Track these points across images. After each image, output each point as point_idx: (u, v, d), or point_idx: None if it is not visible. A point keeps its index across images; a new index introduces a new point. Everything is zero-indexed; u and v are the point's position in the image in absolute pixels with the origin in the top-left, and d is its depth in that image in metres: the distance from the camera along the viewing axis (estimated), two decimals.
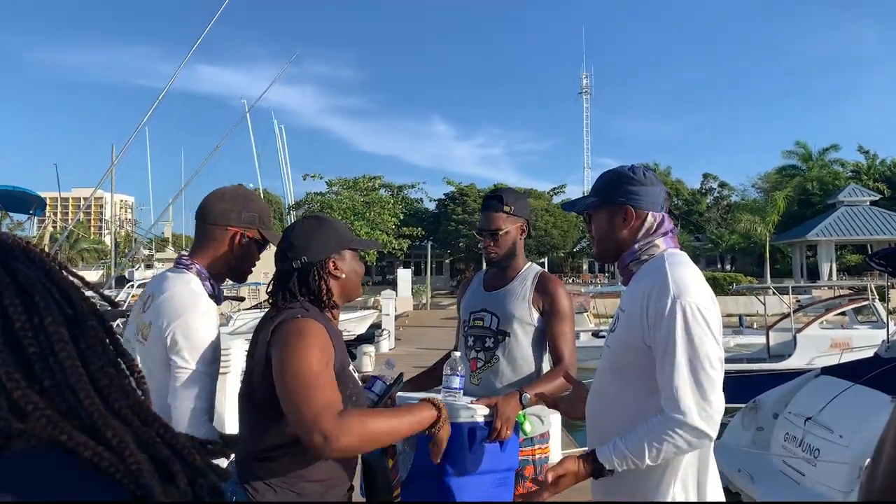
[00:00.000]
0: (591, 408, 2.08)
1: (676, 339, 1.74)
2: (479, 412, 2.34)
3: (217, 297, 2.20)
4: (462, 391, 2.46)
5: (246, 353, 2.02)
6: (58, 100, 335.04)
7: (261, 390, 1.84)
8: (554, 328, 2.70)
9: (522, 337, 2.72)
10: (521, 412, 2.41)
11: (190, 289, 2.10)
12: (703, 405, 1.72)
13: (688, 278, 1.84)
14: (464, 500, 2.30)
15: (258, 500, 1.79)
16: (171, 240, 45.47)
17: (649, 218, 2.01)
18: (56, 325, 0.67)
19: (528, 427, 2.44)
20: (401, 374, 2.31)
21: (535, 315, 2.74)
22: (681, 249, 2.02)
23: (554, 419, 3.77)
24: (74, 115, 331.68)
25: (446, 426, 1.95)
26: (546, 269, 3.12)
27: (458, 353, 2.49)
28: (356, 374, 2.07)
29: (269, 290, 2.02)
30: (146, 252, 37.40)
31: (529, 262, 2.89)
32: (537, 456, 2.71)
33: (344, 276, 2.03)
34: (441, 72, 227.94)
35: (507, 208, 2.79)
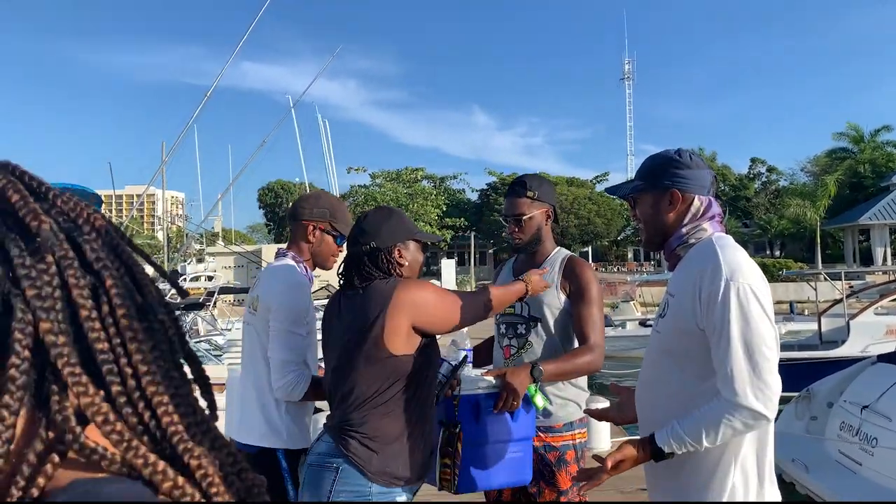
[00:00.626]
0: (641, 396, 2.07)
1: (731, 321, 1.73)
2: (488, 383, 2.40)
3: (308, 280, 2.62)
4: (471, 364, 2.55)
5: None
6: (110, 100, 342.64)
7: (354, 351, 2.07)
8: (580, 311, 2.66)
9: (553, 322, 2.70)
10: (532, 385, 2.42)
11: (285, 266, 2.57)
12: (760, 385, 1.70)
13: (740, 259, 1.82)
14: (480, 469, 2.35)
15: (356, 460, 2.00)
16: (221, 234, 46.31)
17: (696, 202, 1.98)
18: (130, 318, 0.54)
19: (539, 400, 2.46)
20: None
21: (563, 298, 2.71)
22: (728, 235, 2.00)
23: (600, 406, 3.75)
24: (124, 114, 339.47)
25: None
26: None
27: (464, 330, 2.51)
28: None
29: (340, 272, 2.25)
30: (197, 246, 38.12)
31: (558, 248, 2.86)
32: (577, 440, 2.70)
33: (407, 264, 2.23)
34: (480, 63, 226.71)
35: (530, 193, 2.76)
